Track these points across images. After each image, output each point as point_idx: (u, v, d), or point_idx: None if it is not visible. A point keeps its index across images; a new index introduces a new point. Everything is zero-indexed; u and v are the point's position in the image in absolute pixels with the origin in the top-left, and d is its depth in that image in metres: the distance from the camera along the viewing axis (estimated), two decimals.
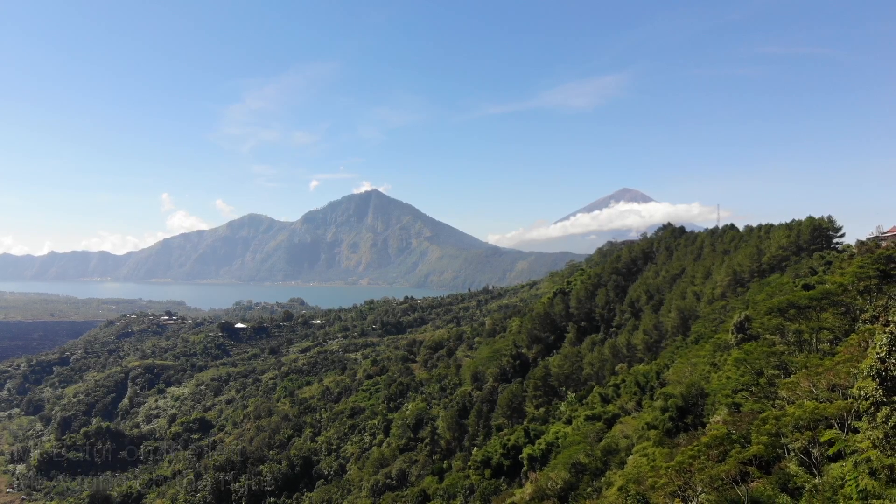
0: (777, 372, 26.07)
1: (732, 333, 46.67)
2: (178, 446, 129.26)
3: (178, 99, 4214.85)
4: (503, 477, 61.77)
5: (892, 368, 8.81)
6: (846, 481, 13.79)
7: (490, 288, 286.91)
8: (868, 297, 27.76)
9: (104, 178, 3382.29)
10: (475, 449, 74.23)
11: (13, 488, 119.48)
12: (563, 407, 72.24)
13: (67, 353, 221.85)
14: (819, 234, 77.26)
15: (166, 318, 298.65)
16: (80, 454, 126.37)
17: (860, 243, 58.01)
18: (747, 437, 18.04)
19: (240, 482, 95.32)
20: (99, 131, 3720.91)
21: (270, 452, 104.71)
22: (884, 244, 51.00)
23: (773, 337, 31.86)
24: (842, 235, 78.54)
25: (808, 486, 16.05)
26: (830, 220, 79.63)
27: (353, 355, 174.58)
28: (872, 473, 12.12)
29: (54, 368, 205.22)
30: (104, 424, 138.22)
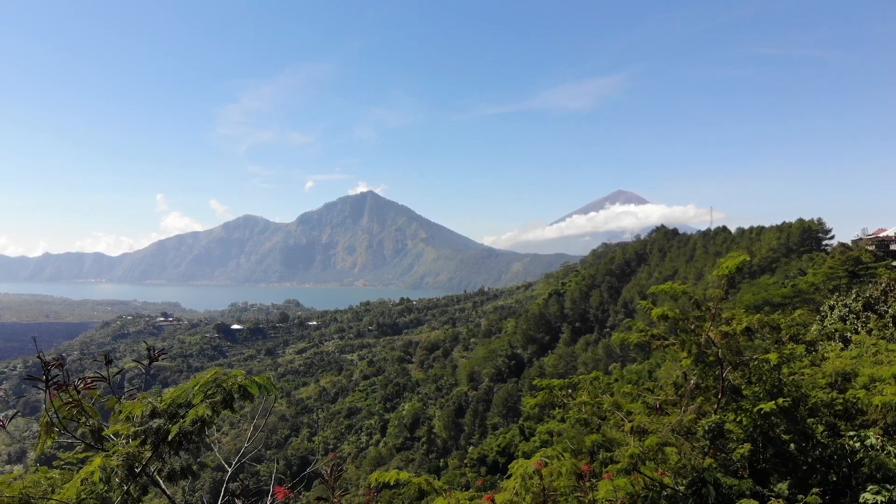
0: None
1: None
2: None
3: (174, 99, 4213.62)
4: (499, 474, 62.94)
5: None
6: None
7: (486, 289, 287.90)
8: (838, 296, 29.32)
9: (99, 178, 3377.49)
10: (471, 447, 75.35)
11: None
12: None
13: (64, 355, 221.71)
14: (808, 235, 79.00)
15: (162, 319, 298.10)
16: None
17: (841, 245, 59.62)
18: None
19: (237, 482, 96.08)
20: (94, 131, 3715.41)
21: (268, 452, 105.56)
22: (861, 245, 52.48)
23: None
24: (831, 237, 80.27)
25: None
26: (820, 222, 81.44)
27: (349, 356, 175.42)
28: None
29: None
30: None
